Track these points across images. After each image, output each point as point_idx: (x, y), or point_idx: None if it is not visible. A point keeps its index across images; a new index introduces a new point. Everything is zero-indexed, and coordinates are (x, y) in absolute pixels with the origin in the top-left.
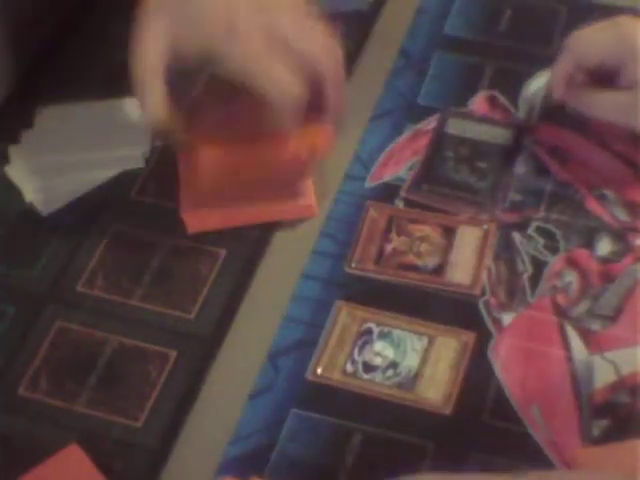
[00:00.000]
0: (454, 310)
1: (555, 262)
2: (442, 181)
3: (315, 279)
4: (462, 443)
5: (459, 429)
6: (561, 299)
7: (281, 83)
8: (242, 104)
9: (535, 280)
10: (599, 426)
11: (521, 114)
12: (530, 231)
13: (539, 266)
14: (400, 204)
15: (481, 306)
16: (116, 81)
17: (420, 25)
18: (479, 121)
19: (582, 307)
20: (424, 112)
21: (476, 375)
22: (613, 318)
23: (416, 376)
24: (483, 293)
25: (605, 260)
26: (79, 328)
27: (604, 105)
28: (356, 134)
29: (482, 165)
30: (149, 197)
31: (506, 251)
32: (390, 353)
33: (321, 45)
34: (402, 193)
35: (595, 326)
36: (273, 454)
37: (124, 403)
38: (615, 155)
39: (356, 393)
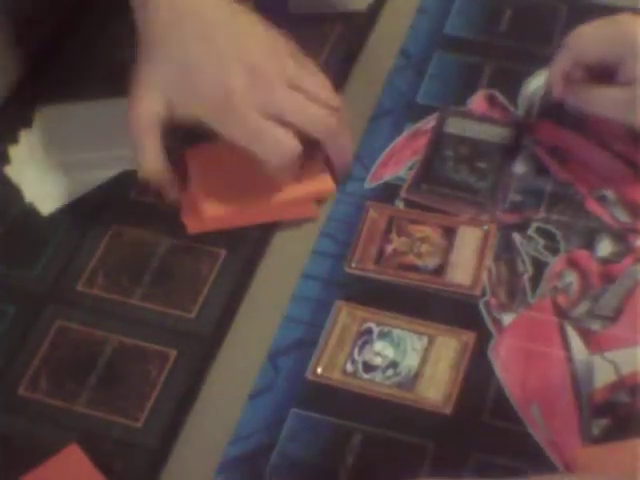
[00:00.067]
0: (454, 311)
1: (555, 263)
2: (442, 181)
3: (315, 279)
4: (462, 443)
5: (459, 429)
6: (561, 300)
7: (277, 146)
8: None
9: (535, 281)
10: (599, 426)
11: (520, 112)
12: (530, 232)
13: (539, 267)
14: (400, 204)
15: (481, 307)
16: (116, 81)
17: (420, 25)
18: (478, 120)
19: (582, 308)
20: (424, 111)
21: (476, 375)
22: (613, 318)
23: (416, 376)
24: (483, 294)
25: (605, 261)
26: (79, 328)
27: (603, 101)
28: (356, 134)
29: (482, 165)
30: (149, 197)
31: (506, 252)
32: (390, 353)
33: (318, 115)
34: (402, 193)
35: (595, 326)
36: (273, 454)
37: (124, 403)
38: (615, 155)
39: (356, 393)
